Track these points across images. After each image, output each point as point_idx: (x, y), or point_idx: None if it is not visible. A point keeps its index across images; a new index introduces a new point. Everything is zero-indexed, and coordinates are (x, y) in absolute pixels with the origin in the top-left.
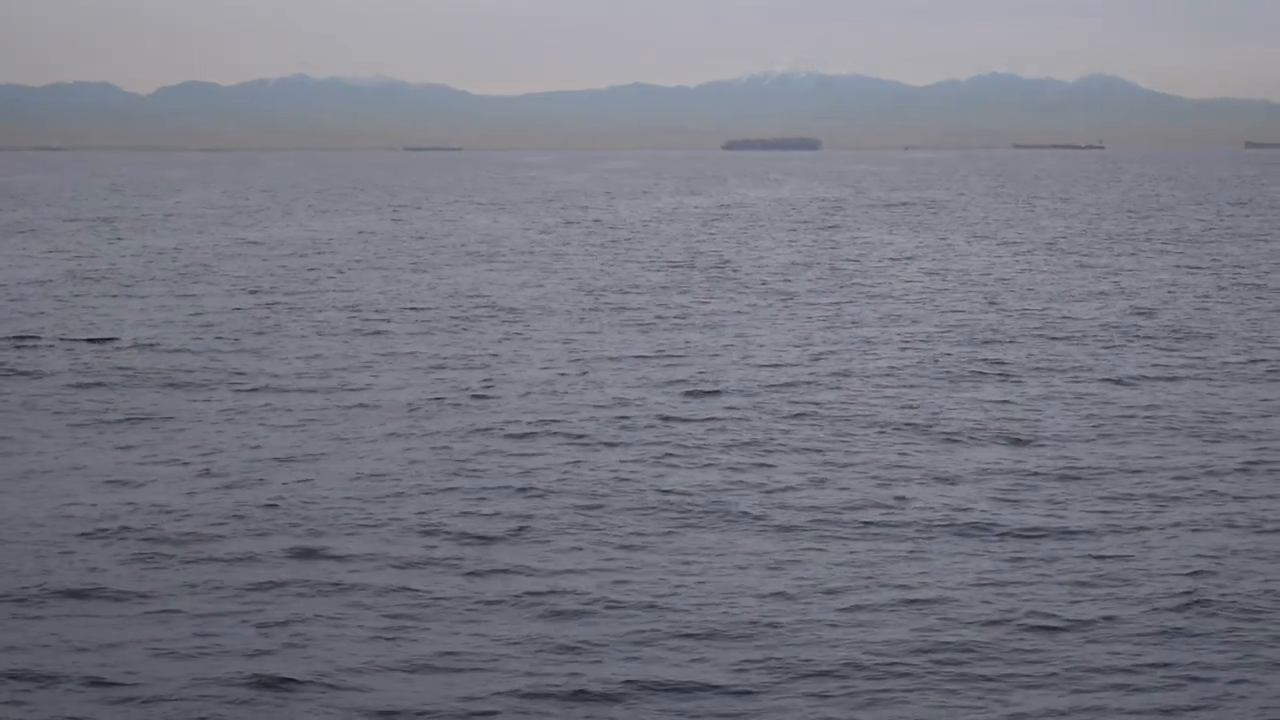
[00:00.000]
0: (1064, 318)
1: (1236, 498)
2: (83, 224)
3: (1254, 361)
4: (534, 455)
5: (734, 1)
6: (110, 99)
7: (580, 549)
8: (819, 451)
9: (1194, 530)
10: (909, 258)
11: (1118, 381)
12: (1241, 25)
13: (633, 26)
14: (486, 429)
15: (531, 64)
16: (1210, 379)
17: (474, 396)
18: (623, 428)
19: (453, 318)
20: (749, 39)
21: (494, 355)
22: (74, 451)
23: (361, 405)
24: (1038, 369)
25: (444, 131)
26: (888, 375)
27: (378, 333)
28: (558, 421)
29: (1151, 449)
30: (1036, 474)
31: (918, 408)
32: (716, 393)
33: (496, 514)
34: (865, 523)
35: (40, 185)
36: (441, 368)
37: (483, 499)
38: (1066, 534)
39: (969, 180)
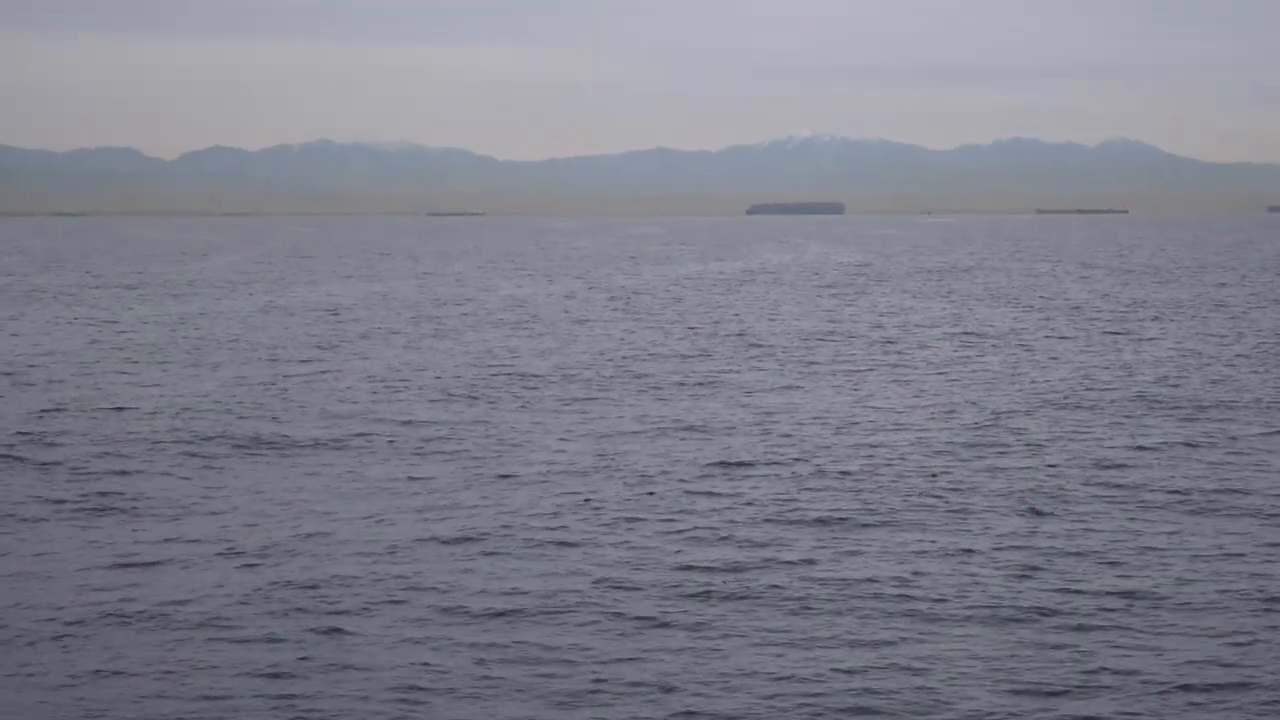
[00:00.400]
0: (1086, 387)
1: (1255, 575)
2: (106, 290)
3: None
4: (554, 529)
5: (756, 66)
6: (134, 164)
7: (599, 626)
8: (839, 524)
9: (1213, 611)
10: (931, 324)
11: (1139, 449)
12: (1261, 92)
13: (655, 91)
14: (506, 503)
15: (553, 129)
16: (1233, 449)
17: (495, 473)
18: (643, 502)
19: (473, 384)
20: (771, 104)
21: (514, 428)
22: (92, 528)
23: (382, 479)
24: (1059, 438)
25: (466, 196)
26: (911, 446)
27: (398, 403)
28: (577, 495)
29: (1171, 524)
30: (1054, 550)
31: (938, 478)
32: (738, 464)
33: (515, 590)
34: (882, 598)
35: (64, 250)
36: (461, 439)
37: (503, 577)
38: (1082, 615)
39: (992, 244)
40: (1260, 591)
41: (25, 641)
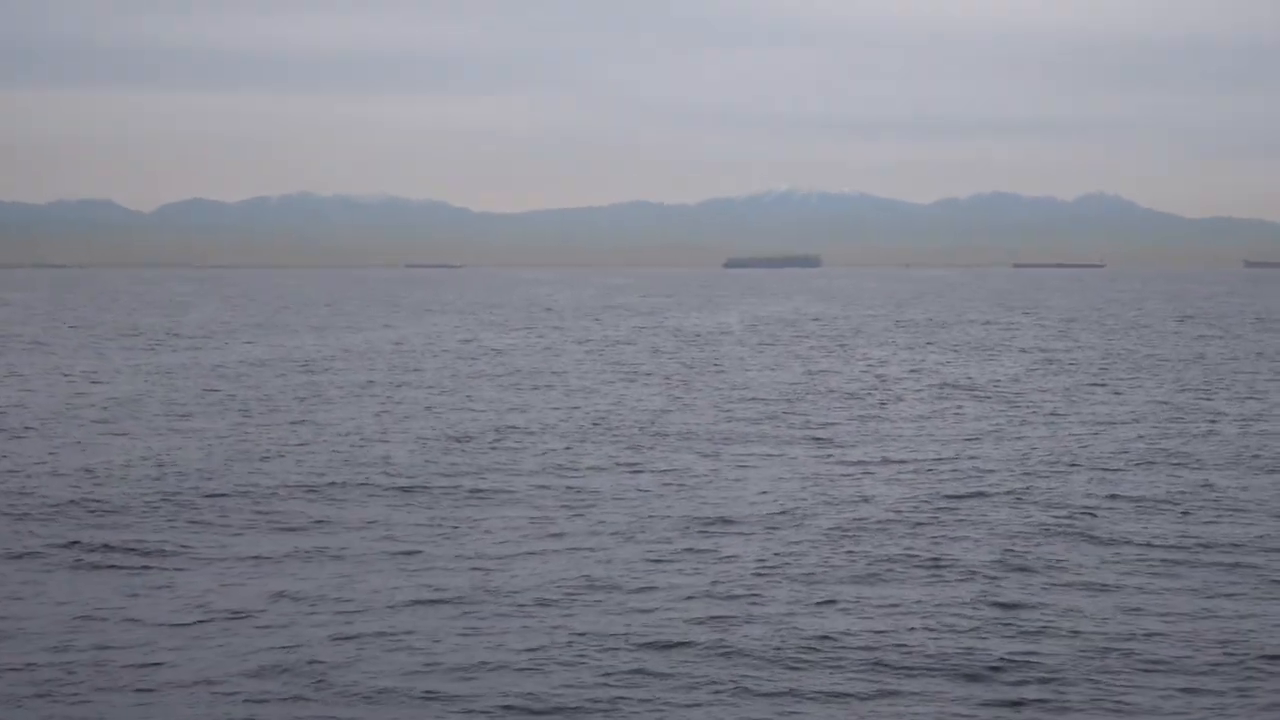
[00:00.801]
0: (1069, 444)
1: (1233, 631)
2: (85, 342)
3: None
4: (524, 607)
5: (734, 119)
6: (113, 216)
7: (578, 679)
8: (815, 585)
9: (1190, 693)
10: (908, 376)
11: (1120, 511)
12: (1238, 147)
13: (633, 144)
14: (480, 566)
15: (531, 181)
16: (1218, 508)
17: (472, 525)
18: (620, 555)
19: (450, 438)
20: (750, 157)
21: (476, 491)
22: (65, 582)
23: (356, 545)
24: (1042, 502)
25: (445, 248)
26: (890, 511)
27: (371, 462)
28: (557, 543)
29: (1154, 587)
30: (1029, 604)
31: (918, 540)
32: (716, 522)
33: (499, 645)
34: (857, 652)
35: (41, 302)
36: (433, 501)
37: (483, 633)
38: (1055, 670)
39: (971, 298)
40: (1236, 648)
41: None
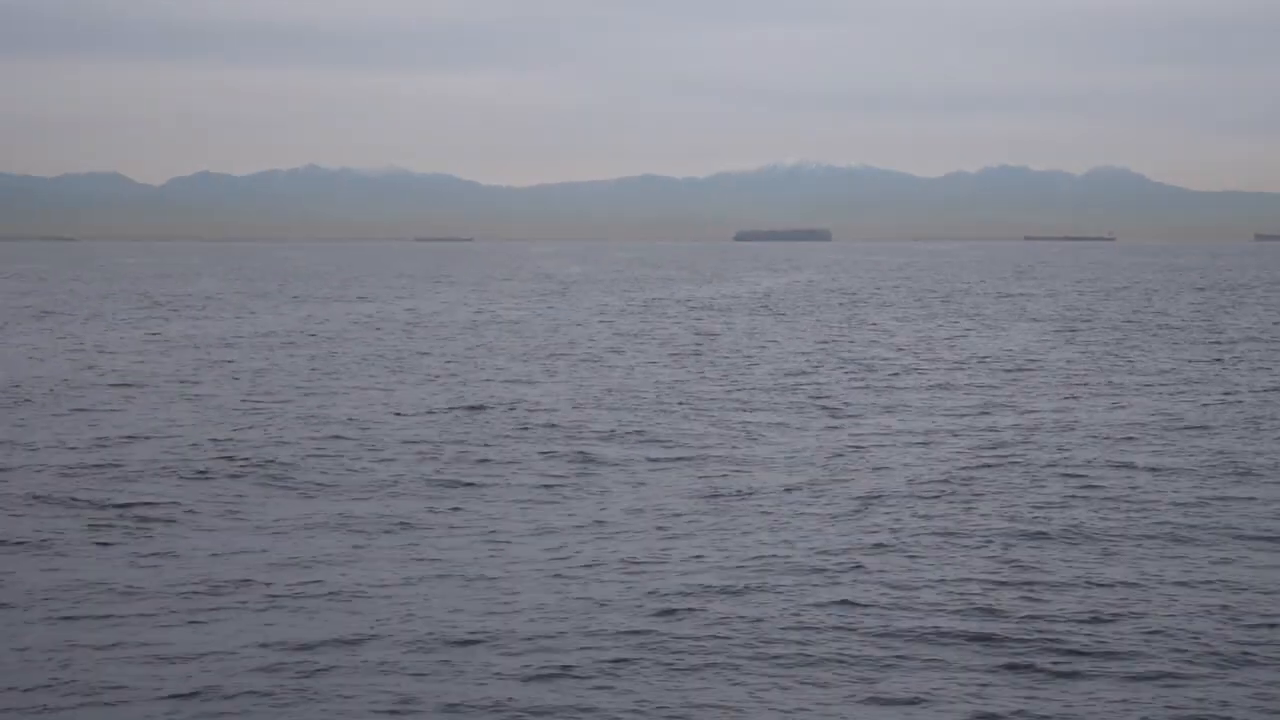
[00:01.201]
0: (1084, 416)
1: (1242, 612)
2: (92, 313)
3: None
4: (540, 554)
5: (743, 93)
6: (122, 189)
7: (585, 655)
8: (830, 554)
9: (1201, 661)
10: (920, 348)
11: (1135, 479)
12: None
13: (641, 118)
14: (487, 527)
15: (540, 155)
16: (1231, 476)
17: (478, 498)
18: (629, 537)
19: (462, 408)
20: (759, 130)
21: (484, 461)
22: (81, 558)
23: (364, 514)
24: (1054, 469)
25: (452, 221)
26: (905, 481)
27: (383, 432)
28: (568, 517)
29: (1170, 554)
30: (1049, 594)
31: (934, 509)
32: (733, 495)
33: (509, 612)
34: (881, 631)
35: (51, 274)
36: (443, 470)
37: (494, 609)
38: (1062, 648)
39: (985, 269)
40: (1246, 628)
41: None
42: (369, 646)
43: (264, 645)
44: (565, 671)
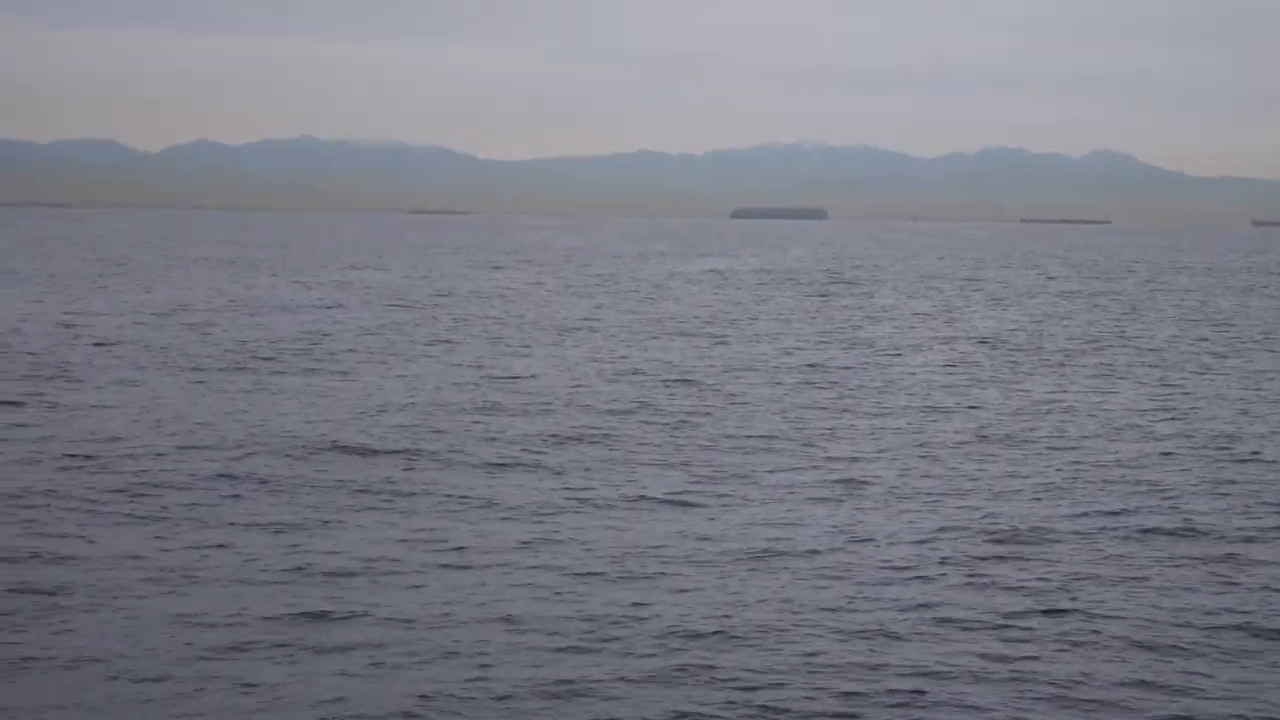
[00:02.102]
0: (1091, 405)
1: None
2: (82, 276)
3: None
4: (541, 520)
5: (741, 71)
6: (117, 156)
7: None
8: (845, 533)
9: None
10: (922, 323)
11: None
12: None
13: (639, 94)
14: (511, 517)
15: (536, 129)
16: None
17: (490, 480)
18: (642, 521)
19: (466, 385)
20: (756, 108)
21: (489, 439)
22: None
23: (373, 501)
24: (1056, 446)
25: (448, 194)
26: (917, 457)
27: (389, 413)
28: (570, 492)
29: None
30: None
31: (937, 488)
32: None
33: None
34: (909, 606)
35: (45, 239)
36: (452, 450)
37: (493, 591)
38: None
39: (981, 249)
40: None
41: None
42: (381, 630)
43: (272, 619)
44: (605, 668)
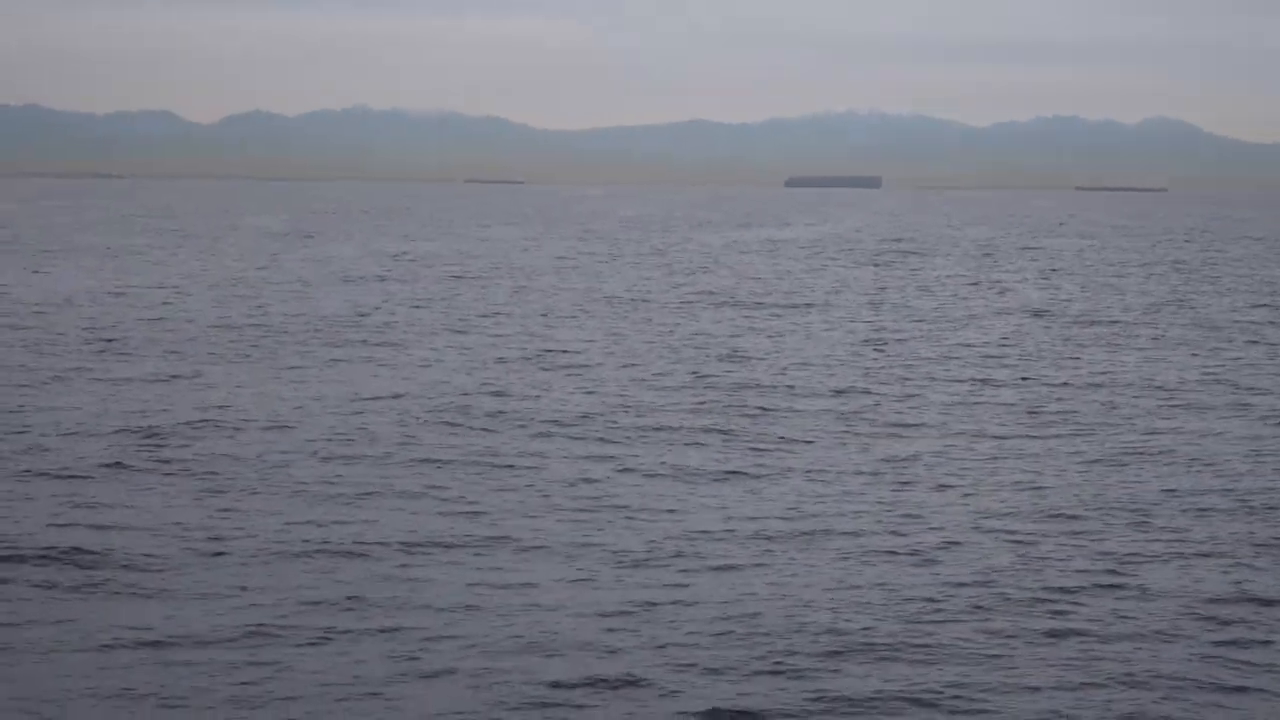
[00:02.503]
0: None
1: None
2: (133, 248)
3: None
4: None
5: (795, 40)
6: (173, 128)
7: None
8: (890, 509)
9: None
10: (976, 294)
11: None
12: None
13: (693, 63)
14: (550, 501)
15: (592, 99)
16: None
17: (531, 458)
18: (679, 497)
19: (517, 359)
20: (810, 78)
21: (518, 417)
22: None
23: (413, 480)
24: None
25: (502, 164)
26: (956, 434)
27: (437, 385)
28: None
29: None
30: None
31: (986, 465)
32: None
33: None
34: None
35: (102, 210)
36: (496, 426)
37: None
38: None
39: (1036, 218)
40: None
41: None
42: (402, 615)
43: (296, 602)
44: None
